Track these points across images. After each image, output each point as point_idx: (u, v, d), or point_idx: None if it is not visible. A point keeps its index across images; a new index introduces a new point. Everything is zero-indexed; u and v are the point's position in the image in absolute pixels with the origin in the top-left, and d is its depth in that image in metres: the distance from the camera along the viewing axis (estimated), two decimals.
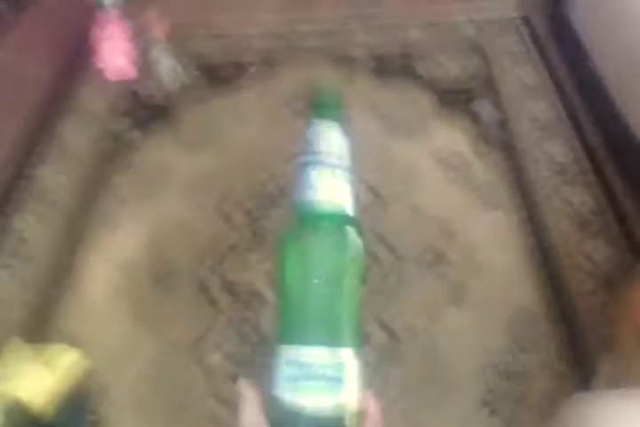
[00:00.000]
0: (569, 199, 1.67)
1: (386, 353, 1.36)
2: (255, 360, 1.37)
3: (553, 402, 1.25)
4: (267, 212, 1.69)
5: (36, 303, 1.52)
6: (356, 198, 0.48)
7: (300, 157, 0.47)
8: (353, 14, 2.41)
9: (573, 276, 1.49)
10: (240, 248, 1.60)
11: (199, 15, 2.47)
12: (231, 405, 1.30)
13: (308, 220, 0.46)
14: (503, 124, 1.92)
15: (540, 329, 1.39)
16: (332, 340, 0.43)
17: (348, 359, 0.44)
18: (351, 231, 0.46)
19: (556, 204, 1.66)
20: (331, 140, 0.48)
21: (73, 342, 1.43)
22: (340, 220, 0.46)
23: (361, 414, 0.44)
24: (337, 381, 0.42)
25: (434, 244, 1.58)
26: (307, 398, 0.42)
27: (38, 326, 1.47)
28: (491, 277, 1.51)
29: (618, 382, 1.10)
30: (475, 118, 1.94)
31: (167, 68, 2.15)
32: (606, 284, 1.46)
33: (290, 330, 0.44)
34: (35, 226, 1.70)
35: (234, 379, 1.35)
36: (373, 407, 0.46)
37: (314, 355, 0.42)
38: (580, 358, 1.33)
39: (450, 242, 1.58)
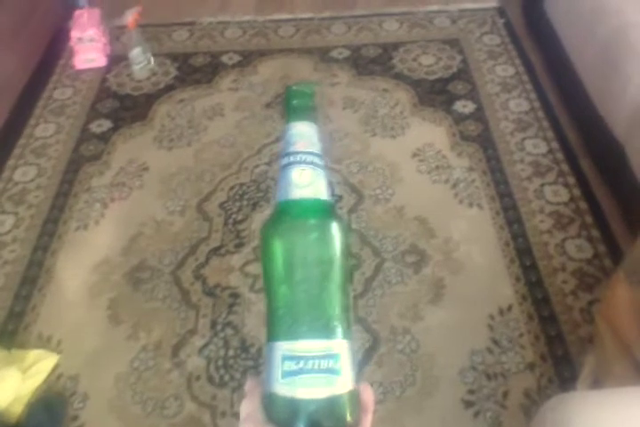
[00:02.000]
0: (545, 194, 1.68)
1: (367, 355, 1.36)
2: (237, 364, 1.36)
3: (536, 403, 1.25)
4: (248, 213, 1.67)
5: (14, 307, 1.50)
6: (340, 199, 0.48)
7: (281, 158, 0.48)
8: (331, 13, 2.42)
9: (553, 275, 1.49)
10: (222, 251, 1.59)
11: (177, 13, 2.47)
12: (212, 409, 1.29)
13: (293, 217, 0.46)
14: (479, 118, 1.94)
15: (520, 329, 1.40)
16: (326, 332, 0.44)
17: (342, 350, 0.44)
18: (336, 226, 0.46)
19: (532, 199, 1.67)
20: (310, 140, 0.49)
21: (51, 346, 1.41)
22: (324, 215, 0.47)
23: (356, 404, 0.45)
24: (333, 372, 0.43)
25: (415, 243, 1.58)
26: (304, 390, 0.42)
27: (16, 330, 1.45)
28: (470, 276, 1.51)
29: (600, 382, 1.11)
30: (452, 114, 1.96)
31: (137, 55, 2.13)
32: (586, 284, 1.47)
33: (283, 325, 0.44)
34: (12, 229, 1.67)
35: (214, 383, 1.34)
36: (368, 397, 0.46)
37: (309, 348, 0.43)
38: (563, 358, 1.34)
39: (430, 241, 1.58)
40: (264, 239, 0.47)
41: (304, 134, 0.49)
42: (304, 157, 0.48)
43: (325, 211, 0.47)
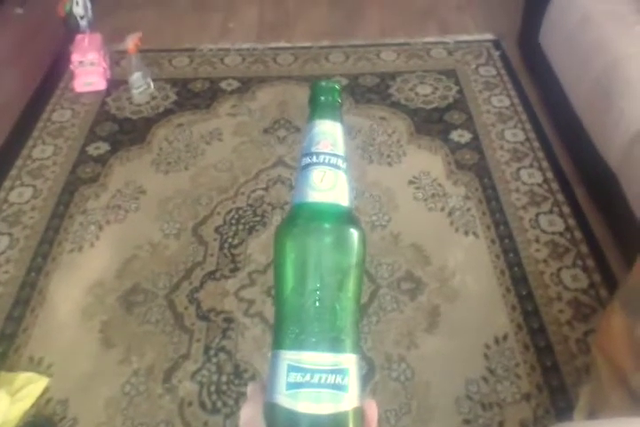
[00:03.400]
0: (540, 224, 1.69)
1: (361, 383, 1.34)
2: (230, 391, 1.35)
3: None
4: (244, 238, 1.67)
5: (6, 329, 1.48)
6: None
7: (302, 157, 0.46)
8: (329, 42, 2.46)
9: (548, 304, 1.49)
10: (217, 275, 1.58)
11: (177, 39, 2.50)
12: None
13: (308, 220, 0.44)
14: (475, 147, 1.96)
15: (516, 358, 1.39)
16: (336, 345, 0.42)
17: (351, 366, 0.42)
18: (354, 234, 0.44)
19: (527, 229, 1.68)
20: (334, 140, 0.46)
21: (42, 368, 1.39)
22: (342, 222, 0.44)
23: (360, 421, 0.43)
24: (340, 388, 0.41)
25: (411, 271, 1.58)
26: (308, 405, 0.40)
27: (7, 353, 1.43)
28: (466, 304, 1.51)
29: (596, 413, 1.10)
30: (448, 143, 1.98)
31: (137, 79, 2.15)
32: (582, 314, 1.47)
33: (290, 334, 0.42)
34: (6, 249, 1.66)
35: (207, 409, 1.32)
36: (372, 414, 0.44)
37: (317, 360, 0.41)
38: (558, 388, 1.33)
39: (425, 268, 1.58)
40: (276, 242, 0.45)
41: (328, 134, 0.47)
42: (327, 158, 0.45)
43: (344, 217, 0.45)
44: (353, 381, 0.42)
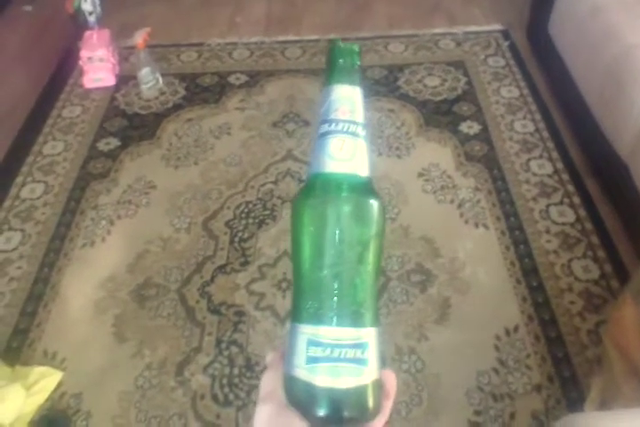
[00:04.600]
0: (550, 215, 1.68)
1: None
2: (242, 383, 1.36)
3: (543, 424, 1.24)
4: (254, 231, 1.68)
5: (20, 324, 1.50)
6: None
7: (320, 124, 0.44)
8: (337, 35, 2.45)
9: (559, 296, 1.49)
10: (227, 269, 1.59)
11: (185, 34, 2.50)
12: None
13: (327, 191, 0.43)
14: (485, 139, 1.95)
15: (527, 350, 1.39)
16: (355, 320, 0.42)
17: (371, 339, 0.42)
18: (374, 205, 0.43)
19: (538, 220, 1.67)
20: (354, 107, 0.44)
21: (56, 363, 1.41)
22: (361, 192, 0.43)
23: (380, 392, 0.43)
24: (360, 362, 0.41)
25: (421, 263, 1.58)
26: (329, 379, 0.40)
27: (21, 347, 1.45)
28: (476, 296, 1.51)
29: (608, 404, 1.10)
30: (457, 134, 1.97)
31: (146, 75, 2.15)
32: (593, 305, 1.46)
33: (309, 308, 0.42)
34: (19, 245, 1.67)
35: (219, 402, 1.33)
36: (390, 383, 0.44)
37: (337, 335, 0.41)
38: (570, 379, 1.33)
39: (435, 261, 1.58)
40: (293, 214, 0.44)
41: (348, 100, 0.44)
42: (346, 125, 0.43)
43: (363, 188, 0.43)
44: (372, 354, 0.42)
